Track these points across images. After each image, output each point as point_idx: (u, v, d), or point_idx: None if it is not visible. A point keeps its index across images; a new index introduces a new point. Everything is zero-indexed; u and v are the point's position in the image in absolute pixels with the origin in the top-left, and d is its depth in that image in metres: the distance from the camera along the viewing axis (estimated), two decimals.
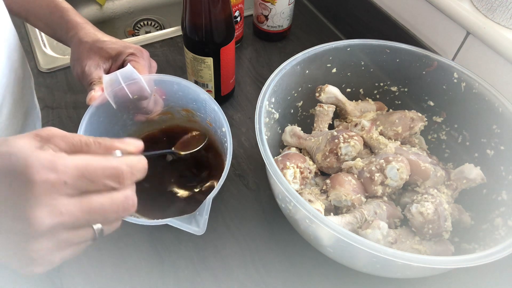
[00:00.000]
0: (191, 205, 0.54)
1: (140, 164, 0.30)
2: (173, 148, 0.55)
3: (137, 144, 0.32)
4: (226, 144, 0.50)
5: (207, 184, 0.56)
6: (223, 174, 0.46)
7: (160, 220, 0.44)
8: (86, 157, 0.28)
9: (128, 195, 0.29)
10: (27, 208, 0.26)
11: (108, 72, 0.52)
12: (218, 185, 0.46)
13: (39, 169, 0.25)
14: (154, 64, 0.55)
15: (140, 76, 0.49)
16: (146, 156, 0.32)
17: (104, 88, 0.48)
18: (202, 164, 0.58)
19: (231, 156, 0.48)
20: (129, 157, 0.30)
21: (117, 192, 0.29)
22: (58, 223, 0.27)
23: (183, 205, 0.54)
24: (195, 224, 0.43)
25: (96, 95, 0.48)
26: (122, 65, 0.52)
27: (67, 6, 0.56)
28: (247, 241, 0.55)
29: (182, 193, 0.56)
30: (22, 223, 0.26)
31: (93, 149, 0.29)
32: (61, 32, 0.55)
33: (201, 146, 0.56)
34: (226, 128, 0.50)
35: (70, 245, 0.29)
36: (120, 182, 0.29)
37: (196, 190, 0.56)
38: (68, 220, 0.27)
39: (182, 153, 0.55)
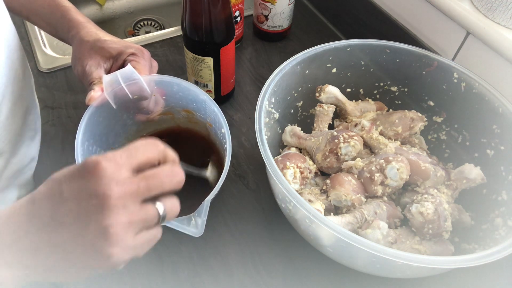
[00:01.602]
0: (189, 206, 0.54)
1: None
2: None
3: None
4: (225, 146, 0.50)
5: (207, 185, 0.56)
6: (221, 176, 0.46)
7: None
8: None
9: (173, 167, 0.34)
10: (103, 220, 0.30)
11: (109, 71, 0.52)
12: (216, 187, 0.46)
13: (104, 161, 0.30)
14: (155, 64, 0.55)
15: (140, 77, 0.49)
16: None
17: (104, 88, 0.48)
18: (202, 165, 0.58)
19: (230, 158, 0.48)
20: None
21: (165, 167, 0.33)
22: (126, 193, 0.30)
23: (181, 206, 0.54)
24: (194, 225, 0.43)
25: (96, 95, 0.48)
26: (123, 65, 0.52)
27: (69, 5, 0.56)
28: (247, 241, 0.55)
29: (181, 194, 0.56)
30: (98, 198, 0.29)
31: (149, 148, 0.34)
32: (62, 31, 0.55)
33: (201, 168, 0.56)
34: (225, 130, 0.49)
35: (141, 225, 0.32)
36: (165, 157, 0.34)
37: (195, 191, 0.56)
38: (134, 188, 0.31)
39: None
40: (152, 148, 0.34)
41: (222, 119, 0.50)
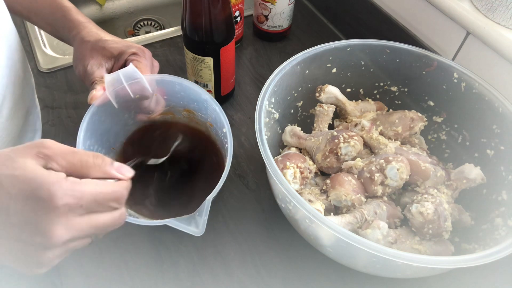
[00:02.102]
0: (191, 205, 0.54)
1: (130, 186, 0.36)
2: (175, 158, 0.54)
3: (129, 173, 0.36)
4: (226, 145, 0.50)
5: (208, 184, 0.56)
6: (223, 175, 0.46)
7: (159, 220, 0.44)
8: (97, 183, 0.33)
9: (123, 212, 0.35)
10: (48, 225, 0.30)
11: (110, 71, 0.52)
12: (217, 186, 0.46)
13: (61, 196, 0.30)
14: (156, 64, 0.55)
15: (142, 76, 0.49)
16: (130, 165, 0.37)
17: (106, 87, 0.48)
18: (203, 165, 0.58)
19: (232, 157, 0.48)
20: (125, 182, 0.35)
21: (116, 211, 0.34)
22: (71, 238, 0.31)
23: (183, 206, 0.54)
24: (195, 225, 0.43)
25: (98, 94, 0.48)
26: (124, 65, 0.52)
27: (70, 5, 0.56)
28: (247, 241, 0.55)
29: (181, 193, 0.56)
30: (41, 237, 0.30)
31: (92, 172, 0.33)
32: (63, 31, 0.55)
33: (176, 143, 0.56)
34: (227, 129, 0.49)
35: (72, 251, 0.33)
36: (120, 203, 0.34)
37: (197, 190, 0.56)
38: (79, 234, 0.32)
39: (161, 160, 0.54)
40: (111, 198, 0.34)
41: (224, 118, 0.50)
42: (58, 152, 0.32)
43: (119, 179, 0.35)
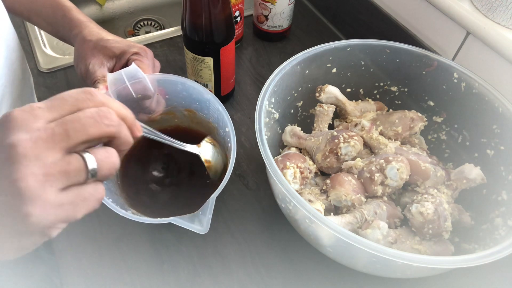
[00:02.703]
0: (194, 204, 0.54)
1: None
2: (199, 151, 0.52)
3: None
4: (229, 144, 0.50)
5: (210, 183, 0.56)
6: (227, 173, 0.46)
7: (163, 218, 0.44)
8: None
9: (101, 109, 0.29)
10: (9, 134, 0.26)
11: (111, 70, 0.52)
12: (221, 185, 0.46)
13: (17, 110, 0.26)
14: (157, 64, 0.55)
15: (145, 75, 0.49)
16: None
17: (108, 86, 0.48)
18: (204, 165, 0.58)
19: (235, 156, 0.48)
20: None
21: (89, 109, 0.28)
22: (37, 140, 0.26)
23: (186, 204, 0.54)
24: (198, 223, 0.43)
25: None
26: (126, 64, 0.52)
27: (70, 5, 0.56)
28: (247, 241, 0.55)
29: (184, 192, 0.56)
30: (5, 150, 0.26)
31: (81, 99, 0.29)
32: (64, 31, 0.55)
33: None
34: (230, 128, 0.50)
35: (64, 179, 0.27)
36: (92, 96, 0.29)
37: (199, 189, 0.56)
38: (48, 135, 0.26)
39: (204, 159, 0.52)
40: (84, 99, 0.29)
41: (227, 117, 0.50)
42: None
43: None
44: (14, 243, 0.28)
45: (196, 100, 0.55)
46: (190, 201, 0.55)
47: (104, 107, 0.29)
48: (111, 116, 0.29)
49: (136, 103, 0.51)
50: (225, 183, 0.46)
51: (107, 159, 0.29)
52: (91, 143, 0.29)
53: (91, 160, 0.28)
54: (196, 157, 0.57)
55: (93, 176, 0.28)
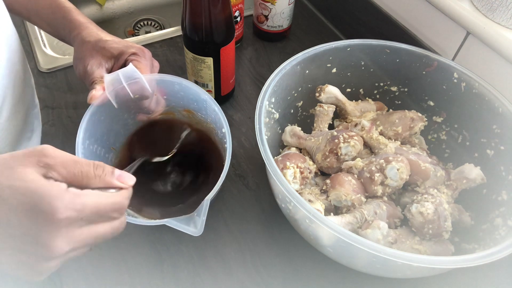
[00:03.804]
0: (190, 205, 0.54)
1: (131, 194, 0.36)
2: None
3: (131, 181, 0.36)
4: (226, 145, 0.50)
5: (207, 184, 0.56)
6: (221, 175, 0.46)
7: (158, 220, 0.44)
8: (97, 195, 0.33)
9: (123, 221, 0.35)
10: (49, 238, 0.30)
11: (110, 71, 0.52)
12: (216, 187, 0.46)
13: (63, 210, 0.30)
14: (156, 64, 0.55)
15: (142, 76, 0.49)
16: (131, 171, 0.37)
17: (106, 87, 0.48)
18: (203, 165, 0.58)
19: (230, 158, 0.48)
20: (126, 191, 0.35)
21: (116, 220, 0.34)
22: (71, 249, 0.31)
23: (182, 206, 0.54)
24: (193, 225, 0.43)
25: (97, 94, 0.48)
26: (124, 65, 0.52)
27: (70, 5, 0.56)
28: (247, 241, 0.55)
29: (181, 193, 0.56)
30: (42, 249, 0.30)
31: (93, 182, 0.33)
32: (64, 31, 0.55)
33: (180, 141, 0.56)
34: (226, 129, 0.49)
35: (71, 259, 0.33)
36: (121, 213, 0.34)
37: (196, 190, 0.56)
38: (79, 245, 0.32)
39: (161, 158, 0.54)
40: (113, 209, 0.34)
41: (223, 118, 0.50)
42: (59, 161, 0.32)
43: (120, 188, 0.35)
44: (37, 267, 0.32)
45: (194, 100, 0.55)
46: (186, 202, 0.55)
47: (124, 223, 0.35)
48: (124, 226, 0.35)
49: (135, 103, 0.51)
50: (219, 185, 0.46)
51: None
52: None
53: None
54: (194, 158, 0.57)
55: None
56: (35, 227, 0.29)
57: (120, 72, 0.48)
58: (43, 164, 0.31)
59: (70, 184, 0.31)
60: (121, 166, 0.55)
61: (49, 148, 0.32)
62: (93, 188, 0.33)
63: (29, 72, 0.59)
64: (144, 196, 0.54)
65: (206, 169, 0.58)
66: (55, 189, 0.30)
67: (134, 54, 0.52)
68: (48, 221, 0.29)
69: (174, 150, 0.55)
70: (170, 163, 0.58)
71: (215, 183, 0.46)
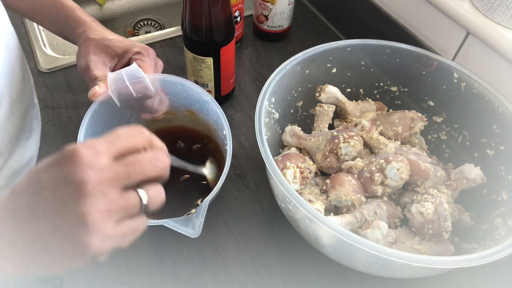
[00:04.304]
0: (190, 206, 0.54)
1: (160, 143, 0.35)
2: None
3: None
4: (226, 147, 0.50)
5: (208, 185, 0.56)
6: (221, 177, 0.46)
7: (155, 220, 0.44)
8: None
9: (157, 153, 0.33)
10: (78, 171, 0.29)
11: (113, 70, 0.52)
12: (215, 188, 0.45)
13: (82, 147, 0.30)
14: (160, 63, 0.55)
15: (145, 75, 0.49)
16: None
17: (108, 85, 0.48)
18: (204, 165, 0.58)
19: (231, 159, 0.48)
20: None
21: (148, 153, 0.33)
22: (103, 179, 0.29)
23: (182, 206, 0.54)
24: (191, 226, 0.43)
25: (100, 91, 0.48)
26: (128, 64, 0.52)
27: (74, 5, 0.56)
28: (247, 241, 0.55)
29: (181, 193, 0.56)
30: (74, 185, 0.29)
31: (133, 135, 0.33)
32: (68, 30, 0.55)
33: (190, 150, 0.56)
34: (227, 131, 0.49)
35: (122, 214, 0.31)
36: (142, 132, 0.33)
37: (197, 190, 0.56)
38: (113, 174, 0.30)
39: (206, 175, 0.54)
40: (135, 134, 0.33)
41: (224, 121, 0.50)
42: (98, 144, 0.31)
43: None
44: (68, 264, 0.31)
45: (196, 101, 0.55)
46: (187, 202, 0.55)
47: (160, 153, 0.33)
48: (164, 159, 0.33)
49: (137, 102, 0.51)
50: (219, 187, 0.46)
51: (157, 196, 0.33)
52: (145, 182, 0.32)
53: (145, 197, 0.32)
54: (195, 158, 0.57)
55: (145, 210, 0.32)
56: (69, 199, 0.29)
57: (124, 71, 0.48)
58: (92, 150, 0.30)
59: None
60: None
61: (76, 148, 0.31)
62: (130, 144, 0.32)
63: (28, 72, 0.59)
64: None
65: (207, 169, 0.58)
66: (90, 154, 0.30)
67: (138, 53, 0.52)
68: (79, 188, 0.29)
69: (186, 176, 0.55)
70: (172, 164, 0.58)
71: (215, 184, 0.46)
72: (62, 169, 0.29)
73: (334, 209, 0.52)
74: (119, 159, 0.31)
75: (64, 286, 0.51)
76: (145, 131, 0.34)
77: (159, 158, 0.33)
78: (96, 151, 0.30)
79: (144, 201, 0.32)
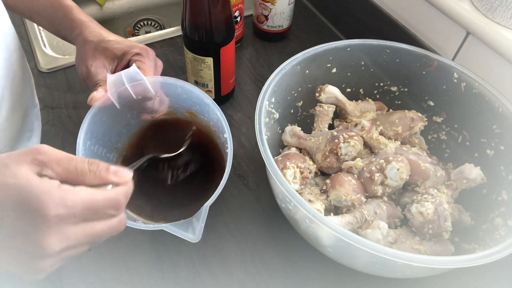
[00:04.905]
0: (191, 208, 0.54)
1: (130, 191, 0.34)
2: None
3: (127, 176, 0.35)
4: (227, 150, 0.50)
5: (208, 188, 0.56)
6: (221, 181, 0.46)
7: (155, 225, 0.44)
8: (90, 191, 0.31)
9: (122, 218, 0.34)
10: (39, 236, 0.29)
11: (113, 72, 0.52)
12: (216, 193, 0.45)
13: (52, 206, 0.29)
14: (160, 64, 0.55)
15: (144, 78, 0.48)
16: (132, 169, 0.36)
17: (108, 88, 0.48)
18: (205, 168, 0.58)
19: (231, 163, 0.47)
20: (123, 187, 0.33)
21: (114, 218, 0.33)
22: (65, 247, 0.30)
23: (183, 209, 0.54)
24: (191, 231, 0.42)
25: (98, 95, 0.48)
26: (128, 65, 0.51)
27: (71, 4, 0.56)
28: (247, 241, 0.56)
29: (183, 196, 0.56)
30: (33, 247, 0.29)
31: (88, 179, 0.32)
32: (65, 31, 0.55)
33: (187, 141, 0.55)
34: (227, 135, 0.49)
35: (69, 258, 0.33)
36: (118, 210, 0.33)
37: (197, 193, 0.56)
38: (74, 243, 0.31)
39: (165, 155, 0.53)
40: (109, 209, 0.32)
41: (225, 124, 0.50)
42: (54, 158, 0.31)
43: (116, 184, 0.33)
44: (22, 268, 0.31)
45: (197, 103, 0.54)
46: (187, 205, 0.54)
47: (124, 221, 0.34)
48: (124, 226, 0.34)
49: (138, 103, 0.51)
50: (219, 191, 0.45)
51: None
52: None
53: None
54: (196, 160, 0.57)
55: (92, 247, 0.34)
56: (25, 225, 0.29)
57: (123, 73, 0.48)
58: (38, 162, 0.30)
59: (64, 182, 0.31)
60: (123, 165, 0.55)
61: (44, 147, 0.31)
62: (88, 185, 0.32)
63: (29, 72, 0.58)
64: (145, 197, 0.54)
65: (208, 172, 0.58)
66: (46, 186, 0.29)
67: (137, 54, 0.51)
68: (39, 219, 0.29)
69: (182, 148, 0.54)
70: (172, 165, 0.58)
71: (217, 186, 0.46)
72: (26, 223, 0.29)
73: (334, 209, 0.52)
74: (87, 224, 0.31)
75: (64, 286, 0.51)
76: (121, 205, 0.33)
77: (120, 225, 0.34)
78: (65, 218, 0.30)
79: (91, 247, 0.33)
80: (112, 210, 0.32)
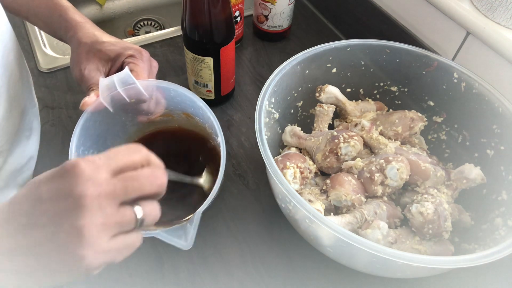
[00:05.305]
0: (187, 211, 0.53)
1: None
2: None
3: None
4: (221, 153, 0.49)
5: (203, 194, 0.55)
6: (214, 187, 0.45)
7: (147, 232, 0.42)
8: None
9: (154, 171, 0.33)
10: (78, 185, 0.29)
11: (107, 75, 0.51)
12: (208, 199, 0.44)
13: (82, 162, 0.30)
14: (155, 64, 0.54)
15: (136, 81, 0.48)
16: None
17: (100, 92, 0.47)
18: (202, 170, 0.58)
19: (224, 168, 0.46)
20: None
21: (145, 169, 0.33)
22: (101, 193, 0.30)
23: (175, 215, 0.53)
24: (184, 237, 0.42)
25: (90, 101, 0.47)
26: (121, 67, 0.51)
27: (67, 4, 0.55)
28: (247, 241, 0.55)
29: (179, 198, 0.55)
30: (73, 198, 0.29)
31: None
32: (60, 31, 0.55)
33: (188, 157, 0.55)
34: (220, 139, 0.48)
35: (117, 228, 0.31)
36: (149, 161, 0.33)
37: (193, 196, 0.55)
38: (111, 189, 0.30)
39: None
40: (134, 152, 0.33)
41: (218, 128, 0.49)
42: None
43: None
44: (60, 277, 0.31)
45: (191, 106, 0.54)
46: (185, 207, 0.54)
47: (158, 171, 0.33)
48: (161, 177, 0.33)
49: (132, 106, 0.51)
50: (213, 197, 0.44)
51: (152, 212, 0.33)
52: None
53: (140, 212, 0.32)
54: (190, 165, 0.57)
55: (139, 226, 0.33)
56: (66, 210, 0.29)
57: (115, 77, 0.47)
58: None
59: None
60: None
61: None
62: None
63: (27, 71, 0.58)
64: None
65: (206, 173, 0.57)
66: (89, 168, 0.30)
67: (131, 56, 0.50)
68: (76, 201, 0.29)
69: (181, 158, 0.54)
70: (170, 167, 0.57)
71: (209, 190, 0.45)
72: (62, 182, 0.30)
73: (334, 209, 0.52)
74: (118, 175, 0.31)
75: (64, 286, 0.51)
76: (143, 149, 0.34)
77: (156, 176, 0.33)
78: (96, 166, 0.30)
79: (139, 217, 0.32)
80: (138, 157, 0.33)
